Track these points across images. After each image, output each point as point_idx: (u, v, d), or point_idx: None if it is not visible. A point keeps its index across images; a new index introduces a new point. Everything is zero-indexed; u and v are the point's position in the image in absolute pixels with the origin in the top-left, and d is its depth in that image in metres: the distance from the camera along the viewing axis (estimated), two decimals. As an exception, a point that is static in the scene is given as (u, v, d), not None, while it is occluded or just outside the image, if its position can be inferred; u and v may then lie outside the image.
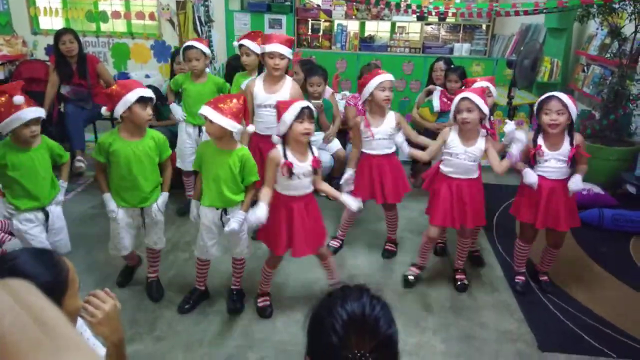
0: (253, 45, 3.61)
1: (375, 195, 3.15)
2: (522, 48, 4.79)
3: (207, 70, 3.71)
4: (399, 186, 3.17)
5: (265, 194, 2.49)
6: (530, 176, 2.74)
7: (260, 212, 2.40)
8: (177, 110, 3.70)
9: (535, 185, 2.74)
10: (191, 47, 3.57)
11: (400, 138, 2.96)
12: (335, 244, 3.45)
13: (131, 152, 2.57)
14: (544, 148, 2.74)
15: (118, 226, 2.68)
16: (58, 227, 2.73)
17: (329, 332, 0.99)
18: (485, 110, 2.73)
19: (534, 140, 2.77)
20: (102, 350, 1.42)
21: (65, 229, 2.80)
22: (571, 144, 2.72)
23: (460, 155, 2.78)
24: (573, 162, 2.76)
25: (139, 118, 2.54)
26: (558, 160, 2.73)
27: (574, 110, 2.66)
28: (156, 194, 2.71)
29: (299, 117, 2.42)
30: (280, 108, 2.46)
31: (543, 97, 2.74)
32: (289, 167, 2.45)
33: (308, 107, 2.44)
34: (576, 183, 2.73)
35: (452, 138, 2.80)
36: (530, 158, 2.78)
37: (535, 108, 2.80)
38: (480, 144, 2.77)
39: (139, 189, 2.62)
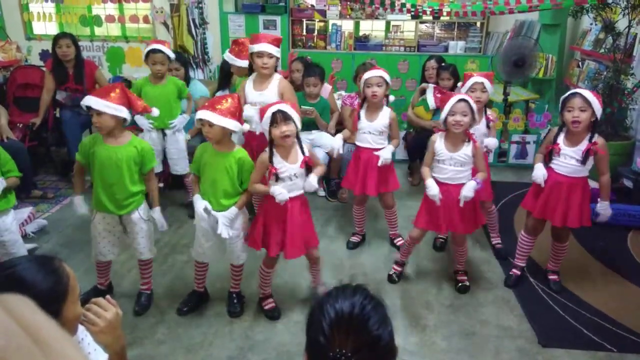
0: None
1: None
2: (505, 43, 4.76)
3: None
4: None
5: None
6: (538, 170, 2.79)
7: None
8: (142, 121, 3.57)
9: (540, 181, 2.76)
10: (158, 50, 3.52)
11: (387, 154, 3.06)
12: (355, 239, 3.48)
13: (108, 156, 2.51)
14: (562, 145, 2.73)
15: (95, 230, 2.65)
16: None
17: (318, 330, 0.99)
18: (477, 116, 2.73)
19: (555, 138, 2.77)
20: (103, 357, 1.41)
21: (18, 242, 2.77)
22: (590, 140, 2.68)
23: (446, 162, 2.74)
24: (585, 159, 2.68)
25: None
26: (571, 157, 2.71)
27: (597, 107, 2.61)
28: (136, 202, 2.61)
29: (272, 122, 2.41)
30: (261, 116, 2.46)
31: (566, 94, 2.72)
32: (274, 172, 2.45)
33: (280, 111, 2.39)
34: (604, 209, 2.78)
35: (439, 144, 2.76)
36: (546, 155, 2.81)
37: (559, 106, 2.77)
38: (467, 150, 2.72)
39: (113, 195, 2.55)
